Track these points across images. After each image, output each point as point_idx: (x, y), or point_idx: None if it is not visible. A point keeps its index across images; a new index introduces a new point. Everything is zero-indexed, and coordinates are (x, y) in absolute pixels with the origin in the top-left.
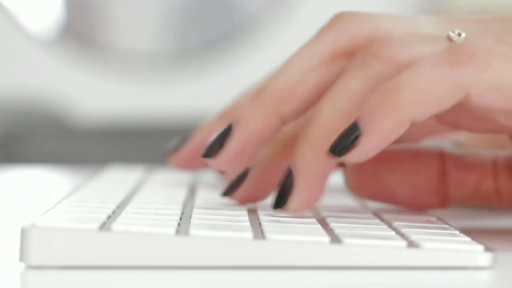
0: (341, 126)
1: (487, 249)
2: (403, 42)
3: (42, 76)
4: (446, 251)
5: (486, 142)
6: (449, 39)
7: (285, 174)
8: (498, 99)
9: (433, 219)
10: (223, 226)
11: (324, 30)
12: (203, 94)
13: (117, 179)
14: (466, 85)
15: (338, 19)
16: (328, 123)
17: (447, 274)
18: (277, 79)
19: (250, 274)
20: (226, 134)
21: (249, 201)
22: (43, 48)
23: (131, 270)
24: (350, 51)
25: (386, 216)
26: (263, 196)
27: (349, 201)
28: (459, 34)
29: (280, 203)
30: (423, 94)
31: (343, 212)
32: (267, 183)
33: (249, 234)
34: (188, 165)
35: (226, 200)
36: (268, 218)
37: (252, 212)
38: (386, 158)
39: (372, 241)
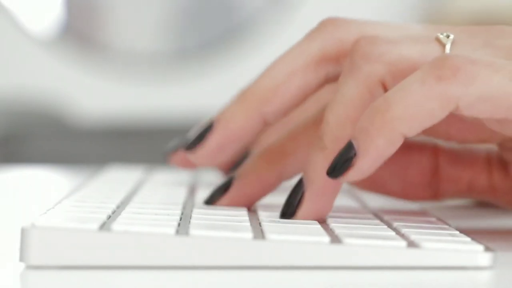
0: (350, 133)
1: (487, 249)
2: (390, 41)
3: (42, 76)
4: (446, 251)
5: None
6: (438, 40)
7: (296, 184)
8: (487, 109)
9: (433, 219)
10: (223, 226)
11: (312, 34)
12: (203, 94)
13: (117, 179)
14: (454, 98)
15: (326, 24)
16: (336, 132)
17: (447, 274)
18: (261, 80)
19: (250, 274)
20: (206, 130)
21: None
22: (43, 48)
23: (131, 270)
24: (336, 56)
25: (386, 216)
26: (245, 207)
27: (349, 201)
28: (448, 36)
29: (288, 212)
30: (412, 110)
31: (343, 212)
32: (249, 195)
33: (249, 234)
34: (189, 164)
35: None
36: (268, 218)
37: (252, 212)
38: None
39: (372, 241)
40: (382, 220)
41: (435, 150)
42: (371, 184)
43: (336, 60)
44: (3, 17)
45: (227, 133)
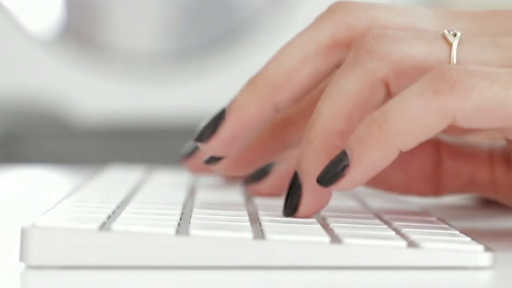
0: (342, 128)
1: (487, 249)
2: (397, 38)
3: (42, 76)
4: (446, 251)
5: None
6: (444, 38)
7: (292, 179)
8: (485, 120)
9: (433, 219)
10: (223, 226)
11: (322, 18)
12: (203, 94)
13: (117, 179)
14: (452, 112)
15: (336, 9)
16: (329, 127)
17: (447, 274)
18: (272, 67)
19: (250, 274)
20: (219, 119)
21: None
22: (43, 48)
23: (131, 270)
24: (347, 41)
25: (386, 216)
26: (243, 171)
27: (349, 201)
28: (454, 34)
29: (290, 210)
30: (409, 124)
31: (343, 212)
32: (250, 158)
33: (249, 234)
34: (203, 170)
35: (226, 200)
36: (268, 218)
37: (252, 212)
38: None
39: (372, 241)
40: (382, 220)
41: (437, 144)
42: (372, 179)
43: (346, 46)
44: (3, 17)
45: (240, 121)
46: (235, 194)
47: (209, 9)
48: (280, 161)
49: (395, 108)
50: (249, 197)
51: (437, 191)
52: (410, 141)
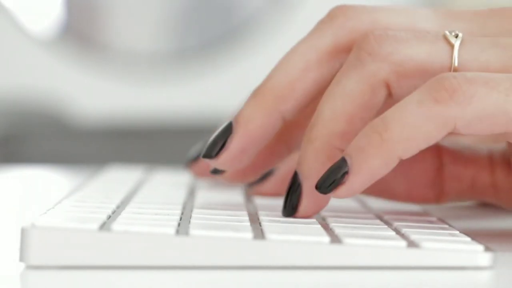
0: (343, 130)
1: (487, 249)
2: (398, 39)
3: (42, 76)
4: (446, 251)
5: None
6: (446, 39)
7: (292, 179)
8: (486, 127)
9: (433, 219)
10: (223, 226)
11: (322, 24)
12: (203, 94)
13: (117, 179)
14: (452, 120)
15: (337, 13)
16: (329, 126)
17: (447, 274)
18: (276, 76)
19: (250, 274)
20: (226, 133)
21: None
22: (43, 48)
23: (131, 270)
24: (349, 46)
25: (386, 216)
26: (250, 176)
27: (349, 201)
28: (456, 35)
29: (290, 209)
30: (409, 132)
31: (343, 212)
32: (256, 163)
33: (249, 234)
34: (208, 175)
35: (226, 200)
36: (268, 218)
37: (252, 212)
38: None
39: (372, 241)
40: (382, 220)
41: (438, 149)
42: (374, 187)
43: (349, 51)
44: (3, 17)
45: (248, 134)
46: (235, 194)
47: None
48: (281, 162)
49: (395, 116)
50: (249, 197)
51: (439, 198)
52: (410, 149)
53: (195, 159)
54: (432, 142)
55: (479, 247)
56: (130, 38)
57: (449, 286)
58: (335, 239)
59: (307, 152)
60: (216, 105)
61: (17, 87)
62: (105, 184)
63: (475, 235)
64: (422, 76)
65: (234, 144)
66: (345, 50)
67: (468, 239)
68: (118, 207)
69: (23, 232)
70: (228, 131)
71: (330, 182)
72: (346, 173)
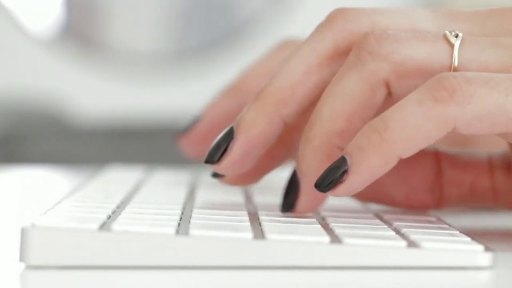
0: (342, 129)
1: (487, 249)
2: (398, 39)
3: (42, 76)
4: (446, 251)
5: (445, 140)
6: (446, 38)
7: (291, 176)
8: (485, 127)
9: (433, 219)
10: (223, 226)
11: (322, 28)
12: (203, 94)
13: (117, 179)
14: (451, 120)
15: (336, 16)
16: (329, 125)
17: (447, 274)
18: (277, 80)
19: (250, 274)
20: (228, 138)
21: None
22: (43, 48)
23: (131, 270)
24: (349, 49)
25: (386, 216)
26: (252, 181)
27: (349, 201)
28: (456, 35)
29: (288, 205)
30: (409, 132)
31: (343, 212)
32: (257, 168)
33: (249, 234)
34: (199, 147)
35: (226, 200)
36: (268, 218)
37: (252, 212)
38: None
39: (372, 241)
40: (382, 220)
41: (436, 155)
42: (374, 193)
43: (349, 53)
44: (3, 17)
45: (250, 139)
46: (235, 194)
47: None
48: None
49: (394, 116)
50: (249, 197)
51: (438, 203)
52: (409, 149)
53: (185, 132)
54: (431, 141)
55: (479, 247)
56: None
57: (449, 286)
58: (335, 239)
59: (305, 151)
60: None
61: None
62: (105, 184)
63: (475, 235)
64: (422, 76)
65: (236, 149)
66: (345, 53)
67: (468, 239)
68: (118, 207)
69: (23, 232)
70: (229, 136)
71: (329, 180)
72: (346, 172)
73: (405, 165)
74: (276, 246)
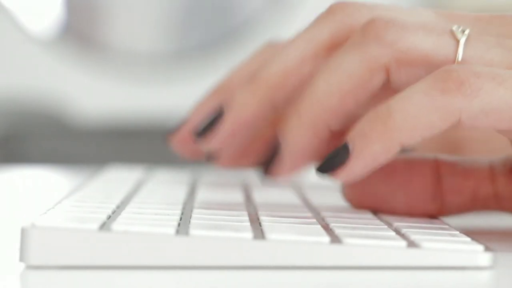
0: (334, 105)
1: (487, 249)
2: (405, 28)
3: (42, 76)
4: (446, 251)
5: (436, 146)
6: (452, 33)
7: (274, 143)
8: (489, 122)
9: (433, 219)
10: (223, 226)
11: (321, 19)
12: (203, 94)
13: (117, 179)
14: (457, 112)
15: (336, 9)
16: (321, 101)
17: (447, 274)
18: (271, 66)
19: (250, 274)
20: (218, 117)
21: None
22: (43, 48)
23: (131, 270)
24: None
25: (386, 216)
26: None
27: None
28: (463, 31)
29: (266, 169)
30: (413, 121)
31: (343, 212)
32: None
33: (249, 234)
34: (187, 146)
35: (226, 200)
36: (268, 218)
37: (252, 212)
38: (380, 167)
39: (372, 241)
40: (382, 220)
41: (436, 163)
42: (376, 203)
43: None
44: (3, 17)
45: (239, 121)
46: (235, 194)
47: (209, 9)
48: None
49: (399, 104)
50: (249, 197)
51: (440, 211)
52: (412, 138)
53: (174, 133)
54: (435, 132)
55: (479, 247)
56: (130, 38)
57: (449, 286)
58: (335, 239)
59: (293, 121)
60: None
61: (17, 87)
62: (105, 184)
63: (475, 235)
64: (425, 67)
65: (224, 129)
66: (342, 46)
67: (468, 239)
68: (118, 207)
69: (23, 232)
70: (219, 114)
71: (330, 165)
72: (348, 157)
73: (404, 174)
74: (276, 246)
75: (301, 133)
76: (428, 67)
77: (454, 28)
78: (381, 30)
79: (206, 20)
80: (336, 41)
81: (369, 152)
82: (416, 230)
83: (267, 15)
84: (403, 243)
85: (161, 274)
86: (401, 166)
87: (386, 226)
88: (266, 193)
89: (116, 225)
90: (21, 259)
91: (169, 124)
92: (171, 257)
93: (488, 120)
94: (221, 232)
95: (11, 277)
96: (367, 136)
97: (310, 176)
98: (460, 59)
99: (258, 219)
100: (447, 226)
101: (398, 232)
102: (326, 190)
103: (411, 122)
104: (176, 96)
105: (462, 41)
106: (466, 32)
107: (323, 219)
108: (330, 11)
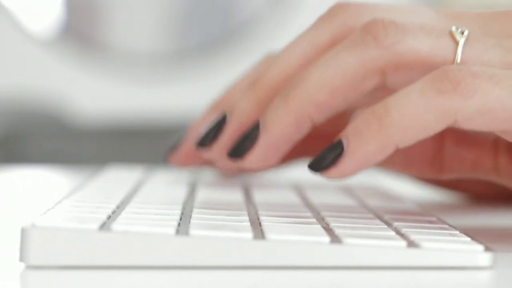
0: (323, 99)
1: (487, 249)
2: (405, 30)
3: (42, 76)
4: (446, 251)
5: None
6: (451, 34)
7: (252, 126)
8: (485, 123)
9: (433, 219)
10: (223, 226)
11: (323, 21)
12: (203, 94)
13: (117, 179)
14: (453, 112)
15: (338, 10)
16: (311, 94)
17: (447, 274)
18: (273, 70)
19: (250, 274)
20: (220, 124)
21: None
22: (43, 48)
23: (131, 270)
24: None
25: (386, 216)
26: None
27: (349, 201)
28: (462, 32)
29: (237, 154)
30: (409, 121)
31: (343, 212)
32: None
33: (249, 234)
34: (187, 163)
35: (226, 200)
36: (268, 218)
37: (252, 212)
38: None
39: (372, 241)
40: (382, 220)
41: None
42: None
43: None
44: (3, 17)
45: (242, 127)
46: (235, 194)
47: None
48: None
49: (396, 104)
50: (249, 197)
51: (439, 172)
52: (408, 138)
53: (173, 150)
54: (431, 133)
55: (479, 247)
56: (130, 38)
57: (449, 286)
58: (335, 239)
59: (278, 109)
60: None
61: (17, 87)
62: (105, 184)
63: (475, 235)
64: (423, 69)
65: (227, 136)
66: None
67: (468, 239)
68: (118, 207)
69: (23, 232)
70: (222, 122)
71: (323, 162)
72: (341, 154)
73: None
74: (276, 246)
75: (282, 118)
76: (427, 70)
77: (454, 29)
78: (381, 32)
79: (206, 20)
80: (336, 43)
81: (363, 151)
82: (416, 230)
83: (267, 15)
84: (403, 243)
85: (161, 274)
86: None
87: (386, 226)
88: (266, 193)
89: (116, 225)
90: (21, 259)
91: (169, 124)
92: (171, 257)
93: (484, 121)
94: (221, 232)
95: (11, 277)
96: (362, 134)
97: (310, 176)
98: (459, 60)
99: (258, 219)
100: (447, 226)
101: (398, 232)
102: (326, 190)
103: (407, 121)
104: (176, 96)
105: (461, 42)
106: (466, 33)
107: (323, 219)
108: (331, 13)
